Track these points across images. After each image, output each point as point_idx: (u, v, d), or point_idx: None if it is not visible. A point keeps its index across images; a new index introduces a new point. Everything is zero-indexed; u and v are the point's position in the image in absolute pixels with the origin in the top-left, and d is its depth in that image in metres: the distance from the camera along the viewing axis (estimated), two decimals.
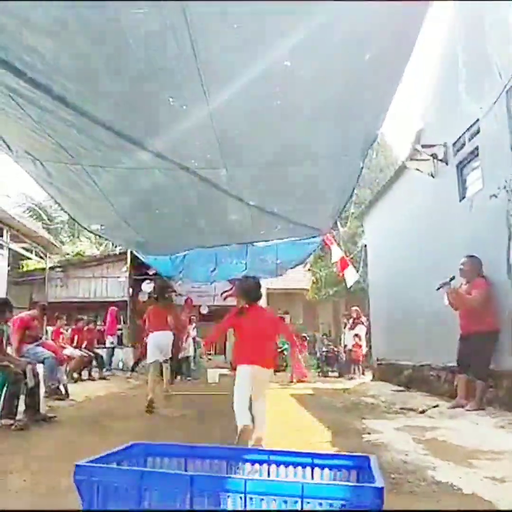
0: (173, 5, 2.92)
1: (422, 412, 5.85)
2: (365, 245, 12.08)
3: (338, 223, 10.08)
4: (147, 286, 14.24)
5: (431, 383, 7.42)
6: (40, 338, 7.04)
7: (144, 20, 3.03)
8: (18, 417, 4.68)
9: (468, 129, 6.32)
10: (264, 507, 1.11)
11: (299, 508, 1.09)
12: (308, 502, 1.09)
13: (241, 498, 1.12)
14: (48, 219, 18.99)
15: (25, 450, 3.75)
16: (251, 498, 1.12)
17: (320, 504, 1.08)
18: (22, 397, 4.75)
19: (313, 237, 8.94)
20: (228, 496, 1.12)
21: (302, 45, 3.44)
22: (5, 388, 4.71)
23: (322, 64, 3.68)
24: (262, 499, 1.11)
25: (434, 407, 5.98)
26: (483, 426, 4.61)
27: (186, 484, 1.12)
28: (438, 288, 6.03)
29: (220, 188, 5.98)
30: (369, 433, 4.46)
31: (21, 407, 4.78)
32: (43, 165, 5.50)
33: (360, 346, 12.18)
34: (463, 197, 6.60)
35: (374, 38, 3.43)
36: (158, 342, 6.64)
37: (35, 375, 5.01)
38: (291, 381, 10.40)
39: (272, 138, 4.93)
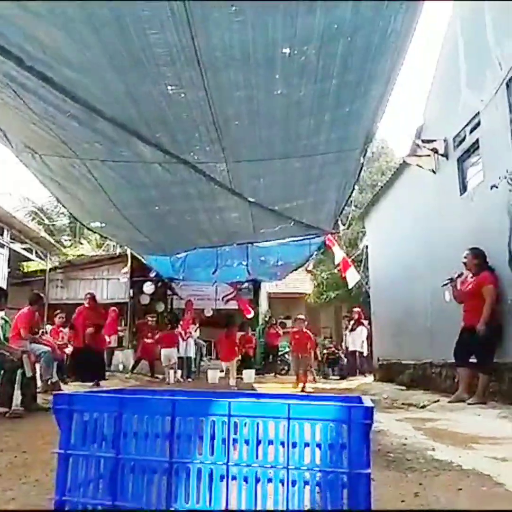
0: None
1: (423, 407, 5.78)
2: (367, 246, 12.04)
3: (340, 223, 10.06)
4: (148, 288, 14.21)
5: (433, 381, 7.34)
6: (38, 333, 7.00)
7: (144, 7, 3.02)
8: (14, 406, 4.64)
9: (468, 122, 6.30)
10: (246, 430, 1.07)
11: (285, 428, 1.05)
12: (295, 424, 1.05)
13: (225, 421, 1.08)
14: (50, 223, 19.02)
15: (19, 433, 3.70)
16: (235, 422, 1.08)
17: (304, 425, 1.04)
18: (18, 386, 4.71)
19: (315, 236, 8.90)
20: (212, 420, 1.08)
21: (302, 33, 3.44)
22: (0, 377, 4.67)
23: (321, 53, 3.66)
24: (246, 423, 1.07)
25: (435, 402, 5.91)
26: (485, 417, 4.54)
27: (168, 409, 1.08)
28: (444, 285, 6.03)
29: (220, 184, 5.96)
30: None
31: (18, 396, 4.74)
32: (42, 159, 5.49)
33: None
34: (464, 191, 6.57)
35: (371, 28, 3.43)
36: (169, 354, 10.80)
37: (32, 365, 4.98)
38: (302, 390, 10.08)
39: (272, 131, 4.91)
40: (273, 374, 13.69)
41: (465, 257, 5.74)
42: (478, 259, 5.63)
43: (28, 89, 3.87)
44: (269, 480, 1.11)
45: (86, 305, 8.96)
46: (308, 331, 9.31)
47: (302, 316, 10.35)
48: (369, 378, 11.19)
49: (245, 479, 1.11)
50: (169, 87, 4.04)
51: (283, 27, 3.34)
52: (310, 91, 4.19)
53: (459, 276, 5.90)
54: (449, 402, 5.58)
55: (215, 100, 4.16)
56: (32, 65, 3.57)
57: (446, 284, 6.02)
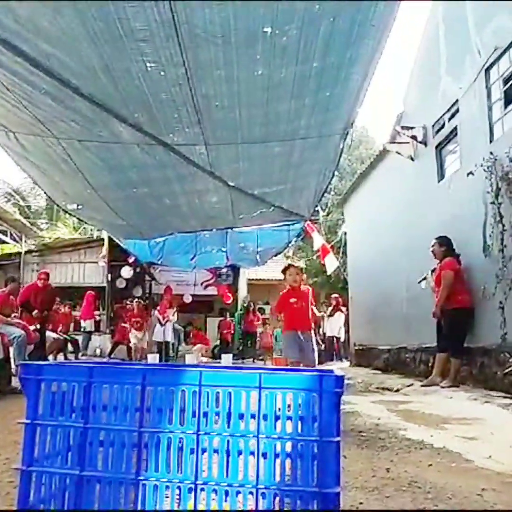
0: None
1: (397, 390, 5.88)
2: (345, 233, 12.11)
3: (319, 210, 10.07)
4: (126, 273, 14.07)
5: (407, 365, 7.47)
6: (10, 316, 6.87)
7: None
8: None
9: (447, 110, 6.35)
10: (219, 398, 1.07)
11: (257, 398, 1.05)
12: (267, 393, 1.05)
13: (196, 391, 1.07)
14: (26, 206, 18.65)
15: None
16: (207, 391, 1.07)
17: (276, 394, 1.05)
18: None
19: (294, 223, 8.90)
20: (183, 390, 1.08)
21: (284, 11, 3.39)
22: None
23: (302, 33, 3.63)
24: (218, 392, 1.07)
25: (409, 386, 6.02)
26: (456, 400, 4.64)
27: (138, 379, 1.07)
28: (420, 282, 6.16)
29: (200, 167, 5.89)
30: (343, 404, 4.44)
31: None
32: (16, 137, 5.35)
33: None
34: (442, 178, 6.64)
35: (354, 10, 3.40)
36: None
37: (5, 347, 4.91)
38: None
39: (252, 114, 4.86)
40: (251, 360, 13.75)
41: (432, 246, 5.83)
42: (443, 247, 5.74)
43: (0, 63, 3.75)
44: (240, 452, 1.11)
45: (40, 285, 8.11)
46: (309, 289, 5.68)
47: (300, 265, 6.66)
48: (346, 363, 11.34)
49: (216, 451, 1.11)
50: (148, 64, 3.95)
51: (265, 4, 3.29)
52: (291, 73, 4.15)
53: (433, 270, 6.02)
54: (422, 385, 5.68)
55: (195, 79, 4.08)
56: (5, 38, 3.45)
57: (421, 281, 6.19)
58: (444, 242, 5.75)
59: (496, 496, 1.81)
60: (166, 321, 11.66)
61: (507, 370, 4.74)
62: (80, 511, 1.10)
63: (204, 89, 4.29)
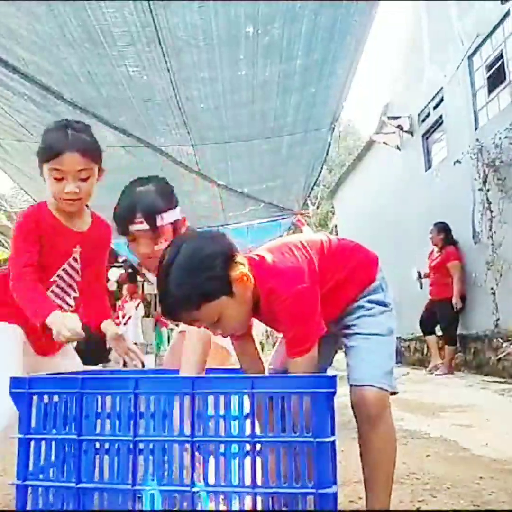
0: None
1: None
2: (336, 226, 12.14)
3: (309, 203, 10.10)
4: (114, 275, 13.94)
5: (401, 354, 7.51)
6: None
7: None
8: None
9: (432, 98, 6.37)
10: (211, 402, 1.07)
11: (250, 402, 1.05)
12: (260, 396, 1.05)
13: (189, 397, 1.07)
14: (13, 212, 18.49)
15: None
16: (200, 397, 1.07)
17: (271, 396, 1.05)
18: None
19: (284, 217, 8.92)
20: (176, 397, 1.08)
21: (265, 11, 3.37)
22: None
23: (285, 32, 3.61)
24: (211, 397, 1.07)
25: (404, 375, 6.06)
26: (452, 387, 4.68)
27: (131, 388, 1.06)
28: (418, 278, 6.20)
29: (188, 167, 5.86)
30: (337, 397, 4.45)
31: None
32: None
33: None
34: (429, 167, 6.66)
35: (335, 6, 3.39)
36: None
37: None
38: None
39: (238, 113, 4.85)
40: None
41: (431, 232, 5.84)
42: (443, 234, 5.75)
43: None
44: (235, 456, 1.11)
45: None
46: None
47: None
48: (340, 355, 11.38)
49: (211, 454, 1.11)
50: (130, 69, 3.92)
51: (246, 5, 3.27)
52: (276, 72, 4.14)
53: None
54: (437, 374, 5.57)
55: (179, 82, 4.06)
56: None
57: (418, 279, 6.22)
58: (443, 229, 5.75)
59: (494, 484, 1.83)
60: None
61: (501, 356, 4.79)
62: None
63: (188, 92, 4.26)
